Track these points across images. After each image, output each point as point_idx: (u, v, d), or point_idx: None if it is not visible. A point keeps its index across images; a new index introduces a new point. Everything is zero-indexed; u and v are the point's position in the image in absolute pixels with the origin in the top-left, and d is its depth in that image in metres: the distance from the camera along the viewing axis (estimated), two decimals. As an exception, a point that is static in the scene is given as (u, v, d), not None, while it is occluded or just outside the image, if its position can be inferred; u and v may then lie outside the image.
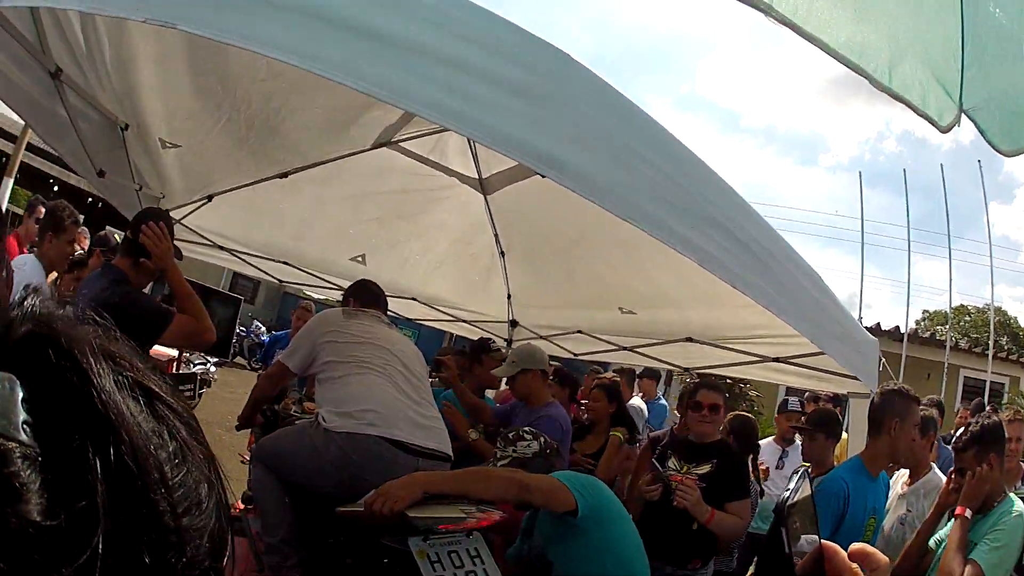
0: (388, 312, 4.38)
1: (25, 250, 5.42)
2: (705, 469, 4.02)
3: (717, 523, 3.81)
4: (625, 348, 6.98)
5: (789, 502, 0.92)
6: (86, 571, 0.36)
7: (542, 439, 3.55)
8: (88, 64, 3.58)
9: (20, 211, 6.76)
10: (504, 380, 5.28)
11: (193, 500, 0.44)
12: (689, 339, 5.85)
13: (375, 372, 3.69)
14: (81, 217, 5.34)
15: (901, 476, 4.09)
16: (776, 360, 5.23)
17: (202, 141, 4.66)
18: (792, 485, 0.96)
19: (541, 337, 7.43)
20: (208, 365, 11.21)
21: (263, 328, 21.99)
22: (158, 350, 6.48)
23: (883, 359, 4.17)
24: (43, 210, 5.52)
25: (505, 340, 7.65)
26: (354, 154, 5.33)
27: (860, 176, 59.71)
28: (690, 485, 3.82)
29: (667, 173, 2.60)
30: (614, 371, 7.22)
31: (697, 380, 4.88)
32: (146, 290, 3.85)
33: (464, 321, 8.15)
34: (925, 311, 38.57)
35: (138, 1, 1.98)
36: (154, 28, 3.24)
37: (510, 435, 3.61)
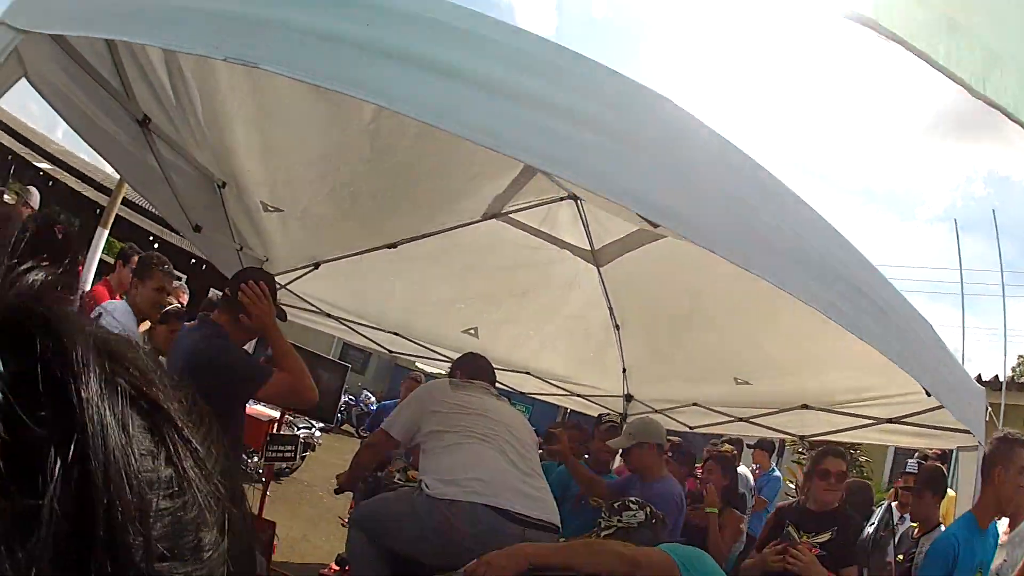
0: (501, 385, 4.27)
1: (119, 297, 5.30)
2: (825, 538, 3.85)
3: None
4: (741, 419, 6.62)
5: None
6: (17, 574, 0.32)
7: (648, 509, 3.36)
8: (179, 116, 3.54)
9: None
10: (619, 453, 5.10)
11: (186, 543, 0.39)
12: (804, 406, 5.59)
13: (483, 442, 3.55)
14: (182, 277, 5.23)
15: (1002, 526, 3.83)
16: (889, 421, 4.96)
17: (305, 208, 4.67)
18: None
19: (656, 411, 7.16)
20: (313, 429, 11.25)
21: (372, 398, 21.93)
22: (258, 409, 6.50)
23: (989, 408, 3.98)
24: (137, 259, 5.40)
25: (620, 415, 7.29)
26: (464, 226, 5.30)
27: (956, 224, 56.15)
28: (802, 549, 3.67)
29: (777, 220, 2.49)
30: (724, 441, 6.97)
31: (820, 448, 4.65)
32: (248, 349, 3.85)
33: (578, 395, 7.90)
34: (1020, 356, 35.93)
35: (218, 39, 1.93)
36: (247, 86, 3.24)
37: (615, 505, 3.43)
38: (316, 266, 5.90)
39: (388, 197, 4.62)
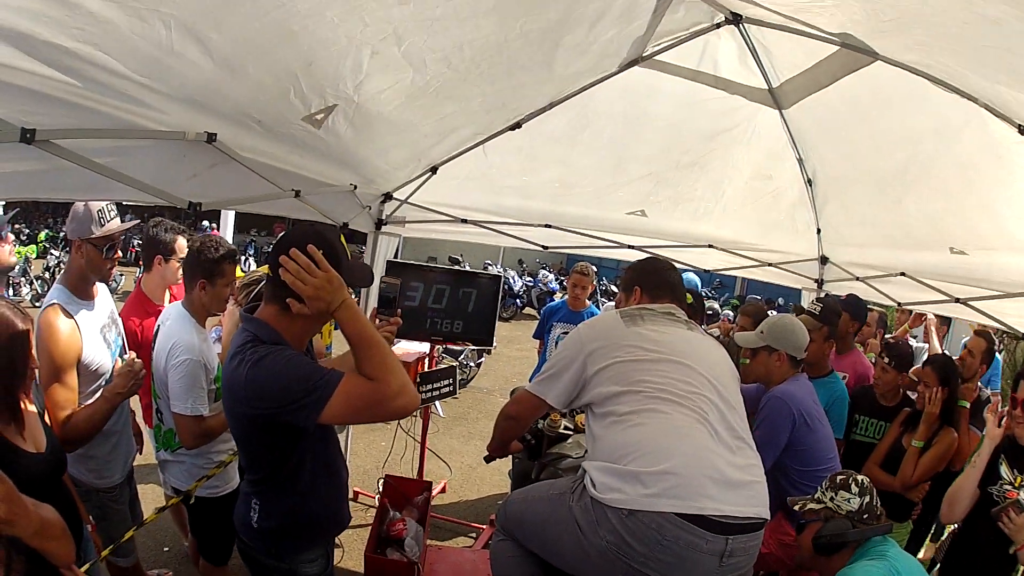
0: (677, 263, 3.48)
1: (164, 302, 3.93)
2: None
3: None
4: (957, 299, 5.19)
5: None
6: None
7: (869, 498, 2.83)
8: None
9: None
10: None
11: None
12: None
13: (679, 408, 2.36)
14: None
15: None
16: None
17: (359, 89, 2.87)
18: None
19: (857, 278, 5.83)
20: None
21: (551, 276, 21.03)
22: (403, 349, 5.47)
23: None
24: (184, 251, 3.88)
25: (815, 281, 6.36)
26: (598, 83, 3.92)
27: None
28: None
29: None
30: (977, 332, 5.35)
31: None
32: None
33: (769, 264, 6.38)
34: None
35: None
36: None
37: (839, 479, 2.89)
38: (433, 171, 4.63)
39: (467, 56, 2.98)
